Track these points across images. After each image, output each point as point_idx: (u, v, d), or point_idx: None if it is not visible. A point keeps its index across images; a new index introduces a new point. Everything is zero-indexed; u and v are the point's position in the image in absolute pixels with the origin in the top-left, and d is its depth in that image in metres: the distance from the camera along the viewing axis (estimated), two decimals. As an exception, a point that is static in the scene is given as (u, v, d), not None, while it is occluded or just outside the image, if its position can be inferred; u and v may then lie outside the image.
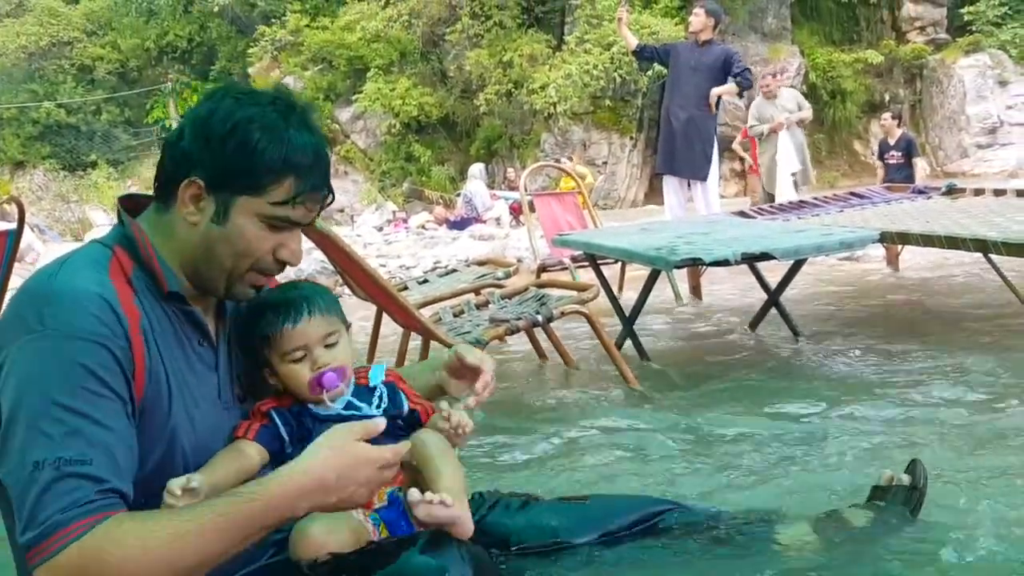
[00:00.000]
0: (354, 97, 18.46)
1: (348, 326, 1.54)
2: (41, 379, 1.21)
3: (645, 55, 7.41)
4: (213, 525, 1.21)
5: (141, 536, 1.18)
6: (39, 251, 12.24)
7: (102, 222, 17.77)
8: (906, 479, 1.93)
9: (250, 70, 20.53)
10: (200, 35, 22.44)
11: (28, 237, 5.33)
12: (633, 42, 7.13)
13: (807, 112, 9.67)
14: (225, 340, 1.51)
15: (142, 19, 22.99)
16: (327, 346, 1.47)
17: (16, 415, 1.21)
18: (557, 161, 14.65)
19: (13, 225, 4.86)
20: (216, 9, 21.41)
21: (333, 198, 1.45)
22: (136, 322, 1.30)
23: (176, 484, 1.27)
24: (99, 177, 21.23)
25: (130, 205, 1.45)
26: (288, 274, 1.56)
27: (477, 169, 15.52)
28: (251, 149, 1.32)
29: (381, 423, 1.38)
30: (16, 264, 4.79)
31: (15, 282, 4.77)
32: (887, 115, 9.98)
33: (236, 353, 1.52)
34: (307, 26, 19.48)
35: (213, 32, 22.25)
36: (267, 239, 1.37)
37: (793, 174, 9.05)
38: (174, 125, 22.06)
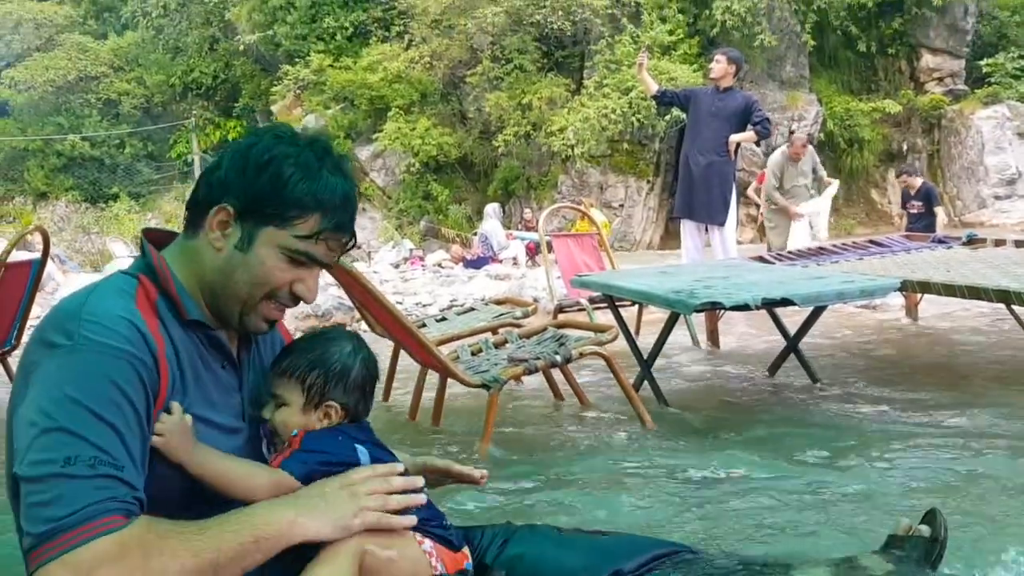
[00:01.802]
0: (374, 136, 18.66)
1: (318, 404, 1.50)
2: (71, 388, 1.22)
3: (665, 100, 7.47)
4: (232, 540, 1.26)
5: (181, 540, 1.22)
6: (59, 281, 12.34)
7: (122, 254, 17.91)
8: (925, 530, 1.90)
9: (273, 108, 20.82)
10: (224, 73, 22.82)
11: (48, 267, 5.39)
12: (653, 87, 7.19)
13: (831, 194, 9.65)
14: (250, 361, 1.54)
15: (168, 56, 23.41)
16: (277, 403, 1.50)
17: (44, 419, 1.21)
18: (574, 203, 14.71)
19: (36, 255, 4.94)
20: (241, 48, 21.78)
21: (355, 244, 1.49)
22: (162, 346, 1.32)
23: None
24: (120, 209, 21.48)
25: (153, 237, 1.48)
26: (303, 309, 1.57)
27: (492, 209, 15.61)
28: (283, 182, 1.36)
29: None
30: (36, 294, 4.84)
31: (35, 311, 4.82)
32: (902, 176, 9.93)
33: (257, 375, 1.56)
34: (330, 66, 19.76)
35: (237, 70, 22.62)
36: (285, 272, 1.40)
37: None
38: (196, 160, 22.47)
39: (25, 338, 4.74)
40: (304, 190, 1.37)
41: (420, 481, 1.49)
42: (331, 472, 1.42)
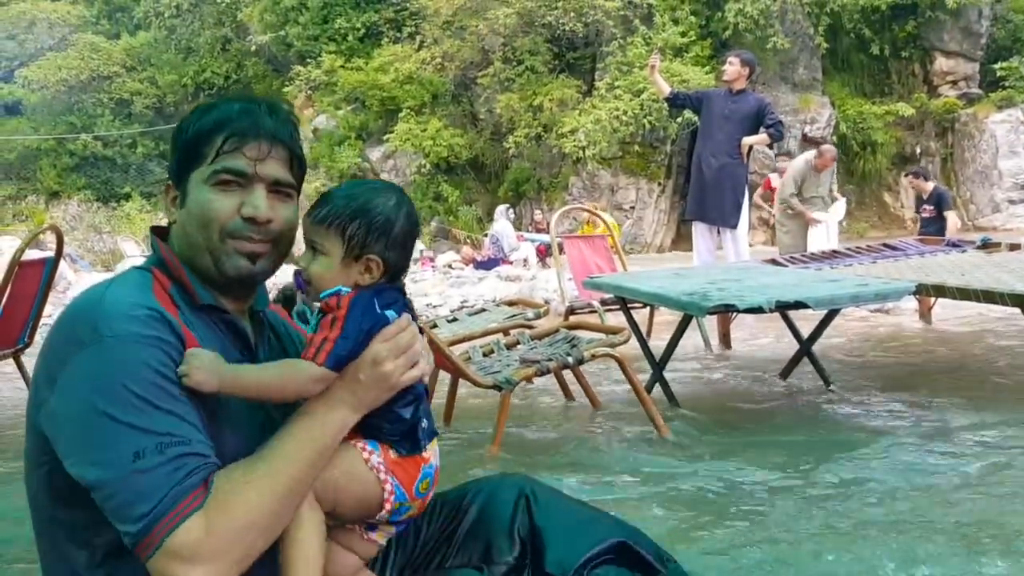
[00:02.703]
0: (385, 137, 18.67)
1: (359, 256, 1.41)
2: (113, 381, 1.23)
3: (678, 102, 7.45)
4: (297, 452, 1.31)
5: (258, 490, 1.25)
6: (71, 280, 12.40)
7: (133, 253, 17.99)
8: None
9: (284, 108, 20.85)
10: (237, 73, 22.87)
11: (60, 266, 5.37)
12: (666, 89, 7.16)
13: (839, 212, 9.56)
14: (265, 347, 1.53)
15: (180, 56, 23.47)
16: (314, 250, 1.43)
17: (93, 417, 1.22)
18: (585, 204, 14.68)
19: (49, 254, 4.95)
20: (253, 48, 21.84)
21: (292, 154, 1.45)
22: (187, 332, 1.34)
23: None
24: (132, 209, 21.55)
25: (162, 233, 1.50)
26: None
27: (503, 210, 15.61)
28: (186, 129, 1.43)
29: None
30: (49, 293, 4.85)
31: (47, 310, 4.83)
32: (910, 176, 9.88)
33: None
34: (341, 67, 19.78)
35: (249, 71, 22.68)
36: (222, 200, 1.39)
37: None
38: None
39: (37, 337, 4.76)
40: (202, 123, 1.41)
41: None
42: None
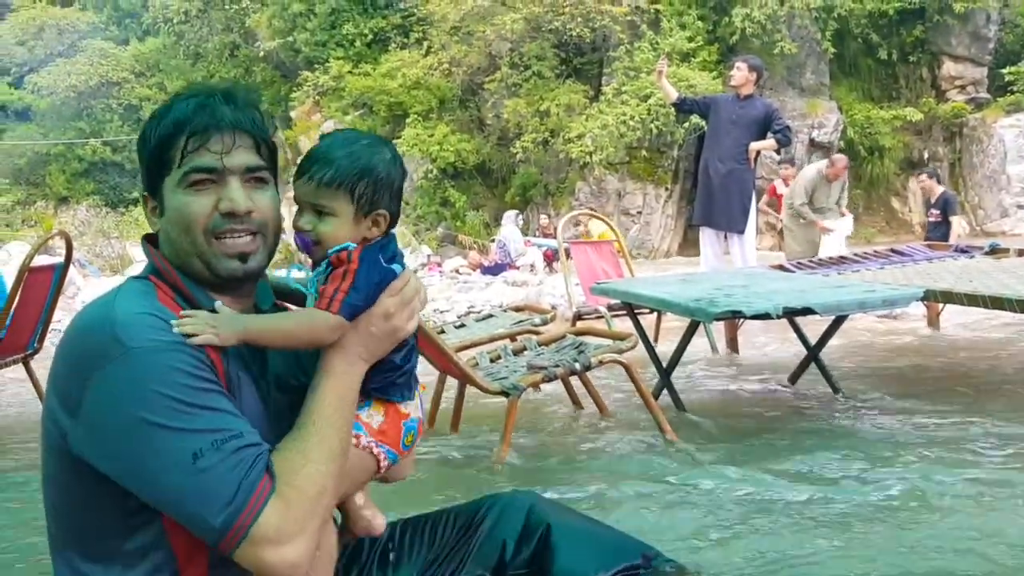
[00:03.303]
0: (393, 142, 18.67)
1: (368, 213, 1.44)
2: (150, 390, 1.23)
3: (685, 107, 7.44)
4: (329, 408, 1.37)
5: (313, 461, 1.32)
6: (79, 285, 12.45)
7: (142, 258, 17.90)
8: None
9: (292, 113, 20.95)
10: (245, 78, 22.95)
11: (69, 271, 5.33)
12: (673, 94, 7.16)
13: (846, 229, 9.46)
14: None
15: (189, 62, 23.62)
16: (318, 212, 1.44)
17: (141, 429, 1.22)
18: (592, 210, 14.67)
19: (58, 259, 4.97)
20: (261, 54, 21.94)
21: (257, 138, 1.43)
22: None
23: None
24: (141, 214, 21.49)
25: (154, 241, 1.50)
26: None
27: (510, 215, 15.62)
28: (148, 138, 1.42)
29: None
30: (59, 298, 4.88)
31: (57, 315, 4.85)
32: (923, 176, 9.92)
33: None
34: (349, 72, 19.85)
35: (257, 76, 22.78)
36: (199, 201, 1.39)
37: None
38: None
39: (46, 343, 4.78)
40: (162, 129, 1.40)
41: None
42: None
